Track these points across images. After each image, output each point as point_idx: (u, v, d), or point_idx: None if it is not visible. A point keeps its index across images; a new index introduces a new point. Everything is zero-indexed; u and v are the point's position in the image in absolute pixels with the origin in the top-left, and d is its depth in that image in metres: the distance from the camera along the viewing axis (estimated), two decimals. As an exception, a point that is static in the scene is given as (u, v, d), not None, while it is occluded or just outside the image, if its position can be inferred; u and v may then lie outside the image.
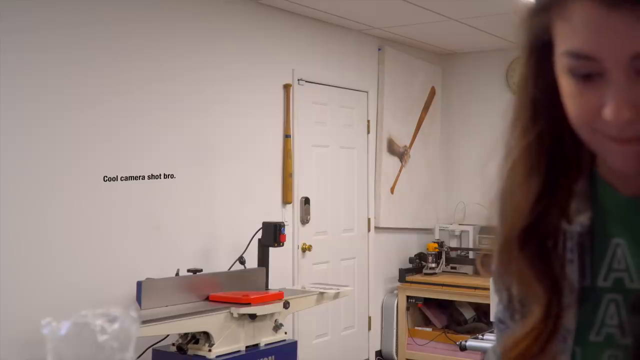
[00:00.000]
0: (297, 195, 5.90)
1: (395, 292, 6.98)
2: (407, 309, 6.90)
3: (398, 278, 6.94)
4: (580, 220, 0.99)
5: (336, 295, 5.11)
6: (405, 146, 7.14)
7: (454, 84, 7.72)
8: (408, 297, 6.88)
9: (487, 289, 6.18)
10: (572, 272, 0.98)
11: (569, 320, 0.97)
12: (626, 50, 0.82)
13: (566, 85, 0.89)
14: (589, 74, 0.86)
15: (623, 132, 0.85)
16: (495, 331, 1.15)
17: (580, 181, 1.00)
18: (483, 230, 7.11)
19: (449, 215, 7.55)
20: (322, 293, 5.01)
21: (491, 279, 1.12)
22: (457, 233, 7.27)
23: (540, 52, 0.93)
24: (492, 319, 4.81)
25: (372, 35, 6.72)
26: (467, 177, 7.55)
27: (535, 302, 0.97)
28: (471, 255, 7.09)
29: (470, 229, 7.16)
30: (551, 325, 0.95)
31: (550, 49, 0.91)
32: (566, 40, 0.87)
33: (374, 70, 6.84)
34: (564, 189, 0.98)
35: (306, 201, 5.99)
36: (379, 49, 6.85)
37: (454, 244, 7.26)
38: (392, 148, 6.95)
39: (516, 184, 0.98)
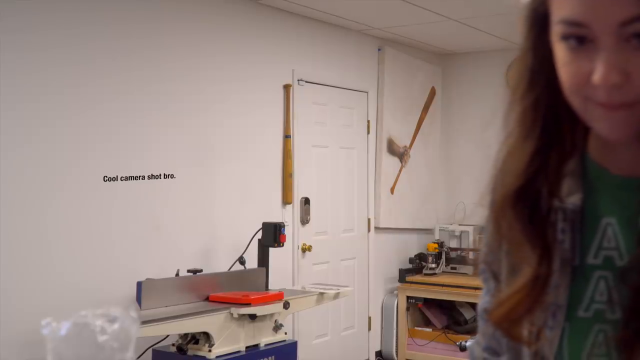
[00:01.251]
0: (297, 195, 5.90)
1: (395, 292, 6.98)
2: (407, 309, 6.90)
3: (398, 278, 6.94)
4: (572, 200, 1.02)
5: (336, 296, 5.11)
6: (405, 146, 7.14)
7: (454, 84, 7.71)
8: (408, 298, 6.88)
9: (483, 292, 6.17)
10: (563, 251, 1.00)
11: (560, 296, 0.99)
12: (615, 17, 0.86)
13: (560, 53, 0.94)
14: (581, 41, 0.90)
15: (611, 97, 0.89)
16: (479, 322, 1.15)
17: (571, 162, 1.03)
18: (483, 230, 7.10)
19: (449, 215, 7.55)
20: (322, 293, 5.01)
21: (480, 269, 1.13)
22: (457, 233, 7.27)
23: (538, 24, 0.98)
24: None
25: (372, 36, 6.72)
26: (467, 177, 7.55)
27: (524, 263, 0.99)
28: (471, 255, 7.08)
29: (470, 229, 7.16)
30: (538, 289, 0.98)
31: (547, 21, 0.96)
32: (560, 9, 0.92)
33: (373, 71, 6.84)
34: (556, 166, 1.01)
35: (306, 201, 5.99)
36: (379, 49, 6.85)
37: (454, 244, 7.27)
38: (392, 148, 6.95)
39: (511, 148, 1.02)
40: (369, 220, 6.76)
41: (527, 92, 1.01)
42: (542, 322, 0.99)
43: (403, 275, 6.91)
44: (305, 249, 5.99)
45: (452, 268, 7.07)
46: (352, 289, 5.70)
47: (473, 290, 6.49)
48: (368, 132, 6.74)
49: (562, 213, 1.02)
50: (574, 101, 0.94)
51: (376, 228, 6.83)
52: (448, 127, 7.71)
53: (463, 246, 7.23)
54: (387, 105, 6.88)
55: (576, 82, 0.92)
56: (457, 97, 7.69)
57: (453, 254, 7.14)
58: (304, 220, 5.99)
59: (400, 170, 7.06)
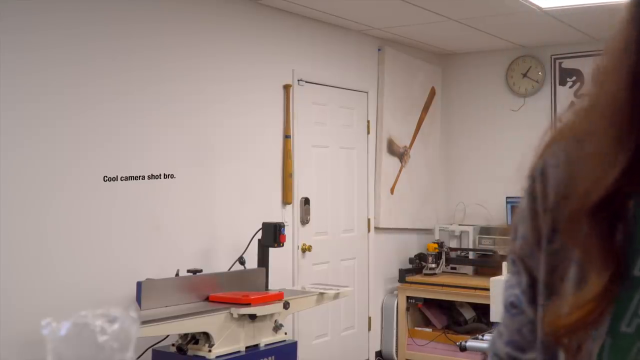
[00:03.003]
0: (297, 195, 5.90)
1: (395, 292, 6.98)
2: (407, 309, 6.90)
3: (398, 278, 6.94)
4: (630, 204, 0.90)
5: (336, 296, 5.11)
6: (405, 146, 7.14)
7: (454, 84, 7.72)
8: (408, 298, 6.87)
9: (487, 289, 6.18)
10: None
11: None
12: None
13: None
14: None
15: None
16: (504, 316, 1.05)
17: None
18: (483, 230, 7.11)
19: (449, 215, 7.55)
20: (322, 293, 5.01)
21: (510, 260, 1.02)
22: (457, 233, 7.27)
23: None
24: (492, 319, 4.81)
25: (372, 36, 6.72)
26: (467, 177, 7.56)
27: (595, 275, 0.87)
28: (471, 255, 7.08)
29: (470, 229, 7.16)
30: (607, 301, 0.87)
31: None
32: None
33: (373, 71, 6.84)
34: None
35: (306, 201, 5.99)
36: (379, 50, 6.85)
37: (453, 244, 7.27)
38: (392, 148, 6.95)
39: (596, 149, 0.87)
40: (368, 220, 6.76)
41: (627, 89, 0.85)
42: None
43: (403, 275, 6.91)
44: (305, 249, 5.99)
45: (452, 268, 7.07)
46: (352, 289, 5.70)
47: (473, 290, 6.49)
48: (368, 132, 6.74)
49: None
50: None
51: (376, 228, 6.83)
52: (448, 127, 7.71)
53: (463, 246, 7.22)
54: (387, 105, 6.88)
55: None
56: (457, 97, 7.69)
57: (453, 254, 7.14)
58: (304, 221, 5.99)
59: (400, 170, 7.06)
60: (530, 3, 5.63)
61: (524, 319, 0.99)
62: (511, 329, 1.01)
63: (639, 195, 0.88)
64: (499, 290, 4.75)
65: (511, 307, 1.02)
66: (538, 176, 0.95)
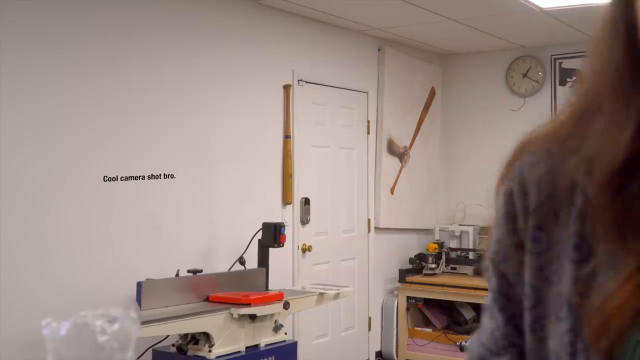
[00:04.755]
0: (297, 195, 5.90)
1: (395, 292, 6.97)
2: (407, 309, 6.90)
3: (398, 278, 6.93)
4: None
5: (336, 296, 5.11)
6: (405, 146, 7.14)
7: (454, 84, 7.71)
8: (408, 298, 6.87)
9: (487, 289, 6.17)
10: None
11: None
12: None
13: None
14: None
15: None
16: (484, 316, 0.98)
17: None
18: (483, 230, 7.11)
19: (449, 215, 7.55)
20: (322, 293, 5.01)
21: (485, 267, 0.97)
22: (457, 233, 7.27)
23: None
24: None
25: (372, 36, 6.72)
26: (467, 177, 7.55)
27: (628, 254, 0.79)
28: (471, 255, 7.08)
29: (470, 229, 7.16)
30: None
31: None
32: None
33: (373, 71, 6.83)
34: None
35: (306, 202, 5.98)
36: (379, 50, 6.85)
37: (454, 244, 7.27)
38: (392, 148, 6.95)
39: (603, 124, 0.84)
40: (369, 220, 6.76)
41: (621, 62, 0.84)
42: None
43: (403, 275, 6.91)
44: (305, 249, 5.99)
45: (452, 268, 7.07)
46: (352, 290, 5.70)
47: (473, 290, 6.49)
48: (368, 133, 6.74)
49: None
50: None
51: (376, 228, 6.82)
52: (448, 127, 7.71)
53: (463, 246, 7.22)
54: (387, 105, 6.88)
55: None
56: (457, 97, 7.69)
57: (453, 254, 7.13)
58: (304, 221, 5.99)
59: (400, 171, 7.06)
60: (530, 3, 5.63)
61: (494, 323, 0.95)
62: (487, 330, 0.97)
63: None
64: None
65: (488, 308, 0.98)
66: (514, 178, 0.92)
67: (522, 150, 0.93)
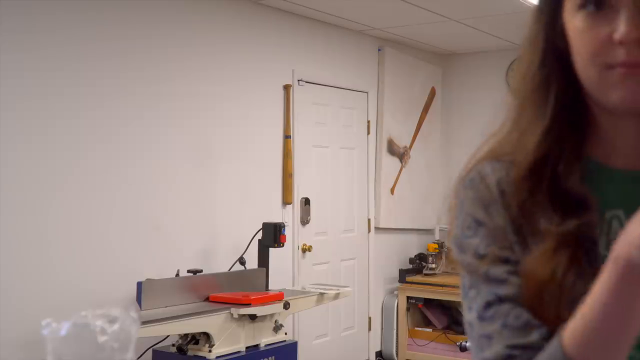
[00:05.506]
0: (297, 195, 5.90)
1: (396, 292, 6.97)
2: (408, 309, 6.90)
3: (398, 279, 6.94)
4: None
5: (336, 296, 5.11)
6: (405, 147, 7.14)
7: (454, 84, 7.71)
8: (408, 298, 6.87)
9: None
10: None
11: (589, 285, 0.92)
12: None
13: (577, 24, 0.98)
14: (599, 5, 0.95)
15: (632, 55, 0.92)
16: (481, 326, 1.00)
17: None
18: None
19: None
20: (322, 294, 5.01)
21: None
22: (457, 233, 7.25)
23: (552, 2, 1.03)
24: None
25: (372, 36, 6.72)
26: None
27: (548, 227, 0.99)
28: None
29: (470, 229, 7.14)
30: (572, 246, 0.97)
31: (559, 7, 1.02)
32: None
33: (374, 71, 6.83)
34: (571, 149, 1.03)
35: (306, 202, 5.98)
36: (379, 50, 6.85)
37: (454, 244, 7.25)
38: (392, 149, 6.95)
39: (523, 127, 1.05)
40: (369, 220, 6.76)
41: (538, 71, 1.04)
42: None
43: (403, 275, 6.91)
44: (306, 249, 5.99)
45: (452, 268, 7.06)
46: (352, 290, 5.70)
47: (473, 290, 6.47)
48: (368, 133, 6.74)
49: None
50: (590, 72, 0.97)
51: (376, 228, 6.82)
52: (448, 127, 7.71)
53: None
54: (387, 105, 6.88)
55: (595, 47, 0.95)
56: (457, 98, 7.69)
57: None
58: (304, 221, 5.99)
59: (400, 171, 7.06)
60: (530, 3, 5.63)
61: (508, 306, 0.98)
62: (499, 325, 0.98)
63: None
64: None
65: (487, 307, 1.00)
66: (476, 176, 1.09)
67: (477, 161, 1.12)
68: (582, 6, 0.97)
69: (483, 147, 1.14)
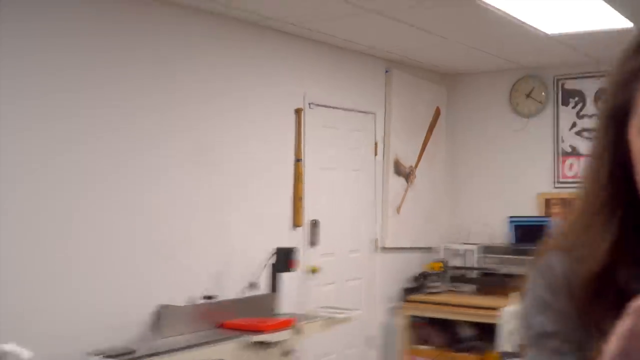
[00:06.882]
0: (307, 218, 5.93)
1: (398, 310, 7.01)
2: (409, 327, 6.94)
3: (401, 297, 6.98)
4: None
5: (347, 320, 5.16)
6: (411, 166, 7.19)
7: (459, 104, 7.76)
8: (411, 316, 6.91)
9: (490, 308, 6.24)
10: None
11: None
12: None
13: None
14: None
15: None
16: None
17: None
18: (486, 249, 7.16)
19: (453, 234, 7.59)
20: (332, 318, 5.06)
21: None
22: (461, 252, 7.31)
23: (618, 120, 1.05)
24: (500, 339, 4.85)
25: (379, 57, 6.76)
26: (472, 197, 7.61)
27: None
28: (474, 274, 7.14)
29: (474, 248, 7.20)
30: None
31: (627, 118, 1.04)
32: None
33: (381, 92, 6.87)
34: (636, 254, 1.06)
35: (315, 224, 6.02)
36: (387, 71, 6.89)
37: (457, 263, 7.30)
38: (398, 169, 7.00)
39: (590, 220, 1.08)
40: (375, 240, 6.80)
41: (607, 183, 1.07)
42: None
43: (405, 294, 6.95)
44: (314, 271, 6.02)
45: (455, 287, 7.12)
46: (362, 312, 5.74)
47: (474, 309, 6.54)
48: (375, 154, 6.77)
49: None
50: None
51: (382, 248, 6.85)
52: (452, 147, 7.76)
53: (467, 265, 7.27)
54: (394, 126, 6.92)
55: None
56: (462, 117, 7.74)
57: (456, 273, 7.18)
58: (313, 242, 6.02)
59: (406, 191, 7.11)
60: (536, 29, 5.69)
61: None
62: None
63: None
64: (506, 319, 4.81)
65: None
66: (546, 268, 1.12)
67: (546, 251, 1.15)
68: None
69: (552, 237, 1.18)
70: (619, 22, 5.35)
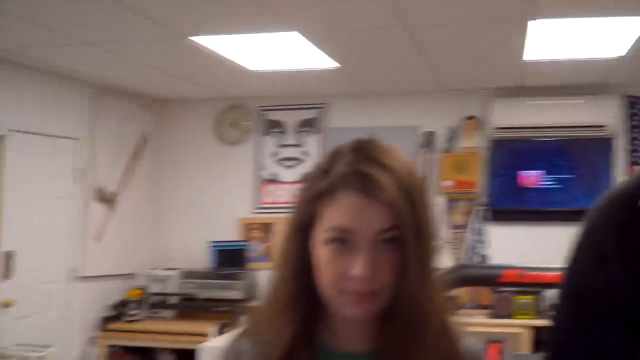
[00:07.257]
0: (1, 249, 5.62)
1: (97, 340, 6.81)
2: (109, 357, 6.79)
3: (100, 326, 6.80)
4: None
5: (42, 359, 4.96)
6: (114, 192, 7.05)
7: (166, 131, 7.76)
8: (110, 346, 6.77)
9: (189, 334, 6.31)
10: None
11: None
12: (374, 227, 1.20)
13: (324, 254, 1.24)
14: (344, 243, 1.21)
15: (363, 287, 1.21)
16: None
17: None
18: (188, 274, 7.18)
19: (155, 260, 7.56)
20: (25, 357, 4.85)
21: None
22: (162, 278, 7.27)
23: (304, 231, 1.28)
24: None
25: (86, 82, 6.55)
26: (174, 222, 7.65)
27: None
28: (175, 300, 7.13)
29: (175, 273, 7.21)
30: None
31: (309, 231, 1.27)
32: (332, 219, 1.23)
33: (86, 118, 6.67)
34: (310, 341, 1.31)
35: (10, 255, 5.69)
36: (92, 96, 6.70)
37: (159, 289, 7.22)
38: (100, 195, 6.83)
39: (279, 310, 1.31)
40: (74, 269, 6.55)
41: (292, 283, 1.30)
42: None
43: (104, 323, 6.79)
44: (7, 305, 5.68)
45: (154, 313, 7.09)
46: (55, 350, 5.52)
47: (175, 335, 6.57)
48: (76, 180, 6.55)
49: None
50: (330, 292, 1.25)
51: (82, 277, 6.62)
52: (159, 173, 7.72)
53: (167, 290, 7.21)
54: (98, 151, 6.76)
55: (336, 276, 1.22)
56: (169, 143, 7.75)
57: (156, 299, 7.13)
58: (7, 275, 5.70)
59: (108, 217, 6.97)
60: (240, 65, 5.90)
61: None
62: None
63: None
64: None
65: None
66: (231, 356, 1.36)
67: (237, 337, 1.39)
68: (330, 241, 1.23)
69: (244, 323, 1.39)
70: (322, 61, 5.75)
